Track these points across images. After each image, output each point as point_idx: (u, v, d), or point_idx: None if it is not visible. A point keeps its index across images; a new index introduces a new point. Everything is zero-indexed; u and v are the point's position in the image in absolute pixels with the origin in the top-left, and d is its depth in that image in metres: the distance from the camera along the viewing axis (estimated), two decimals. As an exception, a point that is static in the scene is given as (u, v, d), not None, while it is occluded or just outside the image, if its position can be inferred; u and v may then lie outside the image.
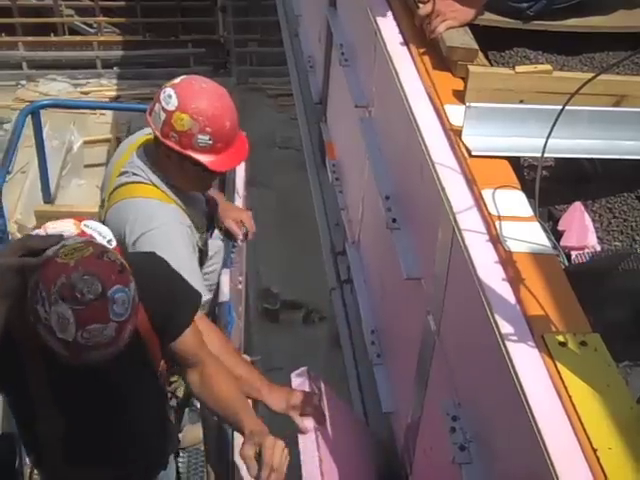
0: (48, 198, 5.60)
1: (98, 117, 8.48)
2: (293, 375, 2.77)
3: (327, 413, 2.65)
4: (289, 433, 2.56)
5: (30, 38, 9.82)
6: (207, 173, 2.67)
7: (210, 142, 2.58)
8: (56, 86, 9.38)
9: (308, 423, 2.55)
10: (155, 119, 2.60)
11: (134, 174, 2.72)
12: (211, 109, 2.57)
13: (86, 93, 9.28)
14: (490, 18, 2.46)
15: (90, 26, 10.27)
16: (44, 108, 4.68)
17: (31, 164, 6.20)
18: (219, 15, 10.10)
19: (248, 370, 2.67)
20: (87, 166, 7.66)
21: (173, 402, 2.95)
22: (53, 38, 9.97)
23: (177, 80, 2.64)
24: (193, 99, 2.56)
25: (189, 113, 2.54)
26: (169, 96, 2.56)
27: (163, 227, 2.61)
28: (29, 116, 4.54)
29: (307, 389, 2.68)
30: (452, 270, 1.95)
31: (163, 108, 2.57)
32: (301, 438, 2.50)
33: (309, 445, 2.46)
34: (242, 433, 2.27)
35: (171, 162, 2.66)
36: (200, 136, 2.56)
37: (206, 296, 2.69)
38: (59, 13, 10.05)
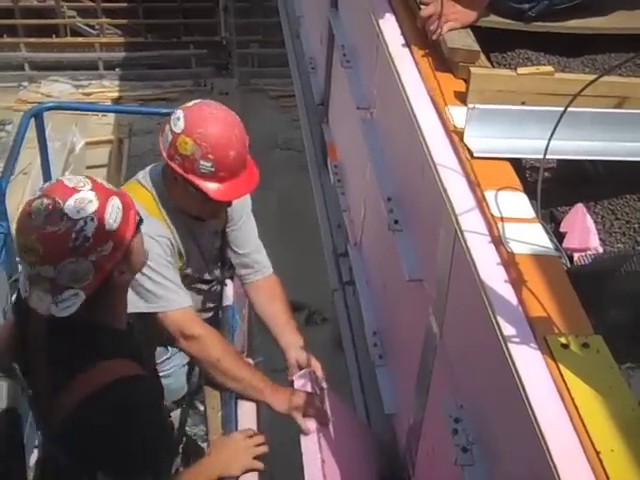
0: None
1: (100, 118, 8.50)
2: (295, 377, 2.78)
3: (329, 415, 2.65)
4: (291, 435, 2.57)
5: (32, 39, 9.84)
6: (212, 201, 2.63)
7: (212, 170, 2.54)
8: (58, 87, 9.40)
9: (310, 424, 2.55)
10: (164, 140, 2.59)
11: (144, 177, 2.77)
12: (216, 136, 2.53)
13: (88, 94, 9.30)
14: (492, 19, 2.46)
15: (92, 27, 10.27)
16: (48, 111, 4.66)
17: (33, 165, 6.21)
18: (221, 16, 10.11)
19: (251, 372, 2.68)
20: (89, 167, 7.67)
21: None
22: (55, 39, 9.98)
23: (190, 103, 2.63)
24: (200, 124, 2.54)
25: (193, 138, 2.52)
26: (178, 118, 2.55)
27: None
28: (32, 119, 4.54)
29: (309, 391, 2.69)
30: (454, 272, 1.95)
31: (171, 130, 2.56)
32: (303, 440, 2.50)
33: (311, 447, 2.47)
34: None
35: (177, 184, 2.65)
36: (202, 162, 2.53)
37: (186, 303, 2.71)
38: (61, 14, 10.05)
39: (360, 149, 2.98)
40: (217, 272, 3.03)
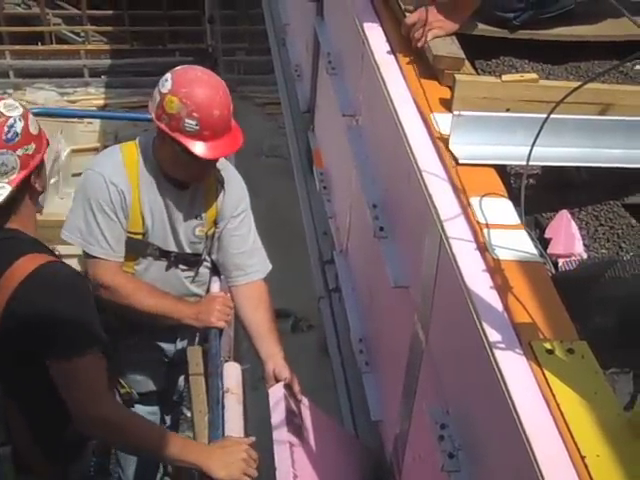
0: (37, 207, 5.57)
1: (86, 126, 8.45)
2: (270, 390, 2.75)
3: (309, 427, 2.63)
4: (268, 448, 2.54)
5: (17, 47, 9.79)
6: (196, 161, 2.69)
7: (197, 128, 2.63)
8: (43, 95, 9.35)
9: (283, 436, 2.52)
10: (152, 102, 2.70)
11: (139, 139, 2.91)
12: (201, 96, 2.63)
13: (73, 102, 9.25)
14: (476, 27, 2.47)
15: (77, 35, 10.25)
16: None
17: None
18: (207, 24, 10.10)
19: (157, 300, 2.87)
20: (75, 174, 7.63)
21: None
22: (40, 47, 9.94)
23: (178, 67, 2.75)
24: (186, 84, 2.64)
25: (179, 97, 2.62)
26: (166, 80, 2.67)
27: (90, 172, 2.84)
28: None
29: (284, 405, 2.66)
30: (440, 278, 1.95)
31: (159, 91, 2.67)
32: (277, 453, 2.46)
33: (284, 461, 2.43)
34: None
35: (165, 145, 2.74)
36: (187, 120, 2.62)
37: (108, 257, 2.80)
38: (46, 22, 10.02)
39: (346, 156, 2.98)
40: (187, 251, 3.00)
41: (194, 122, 2.62)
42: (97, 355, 2.20)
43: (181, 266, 3.02)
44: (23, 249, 2.19)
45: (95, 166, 2.87)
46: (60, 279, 2.19)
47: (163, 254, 2.95)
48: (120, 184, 2.77)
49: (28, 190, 2.25)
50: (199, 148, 2.66)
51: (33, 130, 2.21)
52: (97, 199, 2.75)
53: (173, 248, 2.96)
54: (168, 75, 2.68)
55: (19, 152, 2.16)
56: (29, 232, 2.27)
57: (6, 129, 2.14)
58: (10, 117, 2.15)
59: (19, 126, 2.16)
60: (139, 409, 3.23)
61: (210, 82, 2.71)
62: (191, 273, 3.06)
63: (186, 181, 2.86)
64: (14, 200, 2.19)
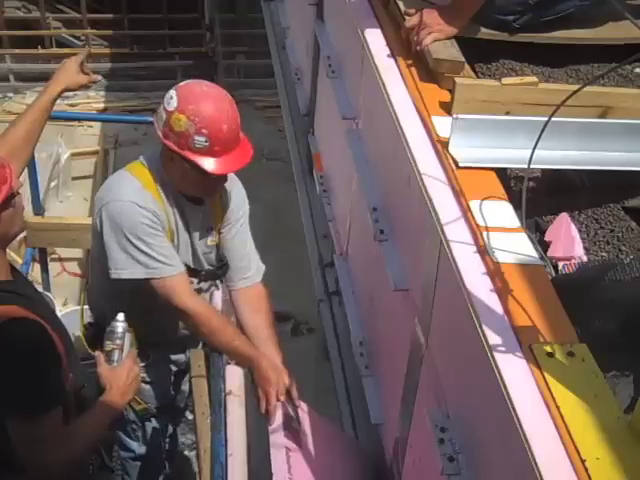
0: (38, 210, 5.60)
1: (86, 129, 8.47)
2: None
3: (307, 432, 2.63)
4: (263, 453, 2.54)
5: (17, 50, 9.80)
6: (208, 177, 2.66)
7: (206, 144, 2.58)
8: (43, 98, 9.35)
9: (280, 441, 2.52)
10: (158, 120, 2.64)
11: (144, 158, 2.82)
12: (209, 111, 2.58)
13: (73, 105, 9.25)
14: (476, 31, 2.47)
15: (78, 38, 10.25)
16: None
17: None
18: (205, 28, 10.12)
19: (238, 342, 2.81)
20: (75, 178, 7.64)
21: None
22: (40, 50, 9.94)
23: (182, 83, 2.69)
24: (192, 100, 2.59)
25: (186, 114, 2.57)
26: (171, 97, 2.60)
27: (119, 204, 2.69)
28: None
29: (282, 410, 2.65)
30: (440, 281, 1.95)
31: (165, 109, 2.61)
32: (273, 458, 2.46)
33: (280, 467, 2.43)
34: None
35: (174, 164, 2.69)
36: (196, 137, 2.57)
37: (173, 272, 2.75)
38: (46, 25, 10.03)
39: (346, 159, 2.98)
40: (205, 265, 3.00)
41: (203, 139, 2.57)
42: (56, 415, 2.20)
43: (203, 284, 3.03)
44: None
45: (119, 197, 2.73)
46: (18, 341, 2.11)
47: (191, 273, 2.93)
48: (151, 206, 2.72)
49: None
50: (210, 164, 2.60)
51: None
52: (141, 225, 2.68)
53: (195, 265, 2.96)
54: (172, 92, 2.61)
55: None
56: None
57: None
58: None
59: None
60: (152, 422, 3.23)
61: (216, 96, 2.65)
62: (206, 284, 3.08)
63: (196, 198, 2.83)
64: None
